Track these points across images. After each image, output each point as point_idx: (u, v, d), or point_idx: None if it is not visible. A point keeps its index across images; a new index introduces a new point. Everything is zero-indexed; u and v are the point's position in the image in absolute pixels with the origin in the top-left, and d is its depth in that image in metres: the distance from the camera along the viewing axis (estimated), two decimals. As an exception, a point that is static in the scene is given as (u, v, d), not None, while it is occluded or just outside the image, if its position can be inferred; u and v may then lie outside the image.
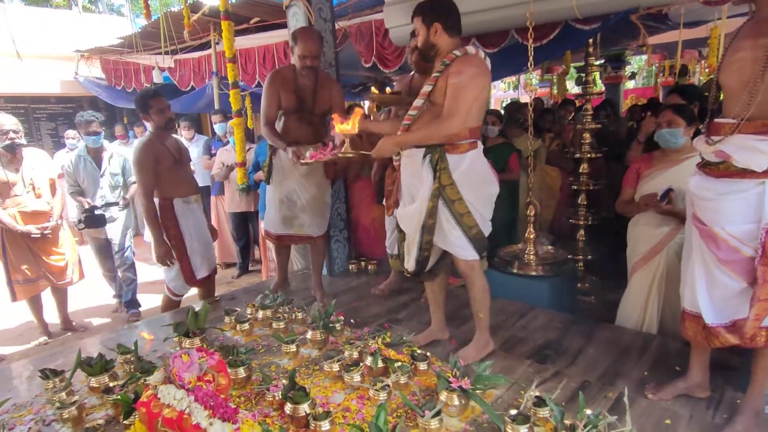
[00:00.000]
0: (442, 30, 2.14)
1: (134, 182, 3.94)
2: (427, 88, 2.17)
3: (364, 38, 4.46)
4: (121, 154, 4.17)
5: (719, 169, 1.67)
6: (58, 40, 8.45)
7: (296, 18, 3.41)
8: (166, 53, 5.94)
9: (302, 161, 2.66)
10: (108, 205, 4.05)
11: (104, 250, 4.31)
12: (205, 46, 6.02)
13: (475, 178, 2.20)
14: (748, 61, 1.57)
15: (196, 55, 6.22)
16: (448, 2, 2.19)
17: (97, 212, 3.99)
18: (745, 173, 1.60)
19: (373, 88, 2.44)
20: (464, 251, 2.25)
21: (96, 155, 4.03)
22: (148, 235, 5.84)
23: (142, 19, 5.94)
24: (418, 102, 2.19)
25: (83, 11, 12.03)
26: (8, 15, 7.04)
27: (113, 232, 4.15)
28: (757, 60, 1.54)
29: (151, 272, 5.78)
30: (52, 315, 4.10)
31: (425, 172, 2.19)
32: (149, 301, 4.76)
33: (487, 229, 2.29)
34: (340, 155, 2.39)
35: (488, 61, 2.21)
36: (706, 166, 1.74)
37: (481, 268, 2.33)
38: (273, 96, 2.86)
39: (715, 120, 1.70)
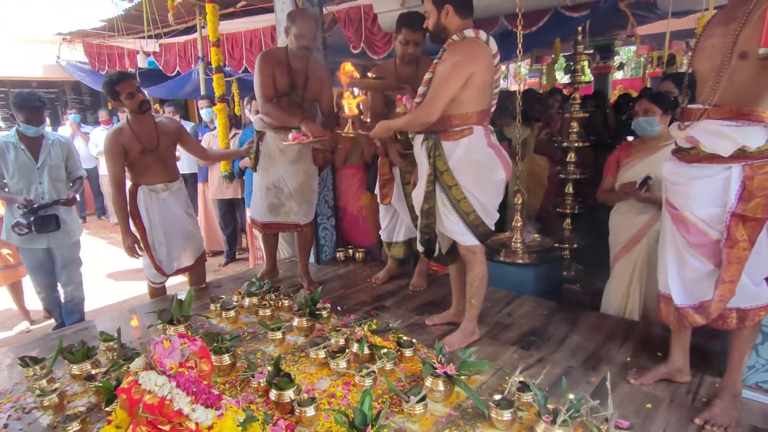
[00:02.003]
0: (453, 12, 2.12)
1: (79, 176, 3.45)
2: (428, 75, 2.16)
3: (353, 23, 4.41)
4: (64, 141, 3.37)
5: (690, 154, 1.71)
6: (40, 22, 8.24)
7: (283, 1, 3.35)
8: (150, 37, 5.82)
9: (284, 142, 2.66)
10: (57, 203, 3.19)
11: (44, 265, 3.36)
12: (190, 30, 5.91)
13: (473, 165, 2.17)
14: (718, 47, 1.60)
15: (182, 39, 6.11)
16: None
17: (44, 212, 3.12)
18: (713, 158, 1.63)
19: (354, 73, 2.42)
20: (462, 236, 2.25)
21: (31, 143, 3.17)
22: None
23: (126, 2, 5.79)
24: (421, 89, 2.20)
25: (65, -7, 11.70)
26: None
27: (58, 241, 3.28)
28: (725, 46, 1.56)
29: (136, 260, 5.71)
30: (34, 302, 4.03)
31: (422, 157, 2.23)
32: (134, 289, 4.72)
33: (490, 216, 2.26)
34: (343, 134, 2.40)
35: (492, 42, 2.15)
36: (678, 152, 1.78)
37: (483, 254, 2.32)
38: (268, 75, 2.78)
39: (687, 106, 1.74)
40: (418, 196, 2.34)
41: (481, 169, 2.19)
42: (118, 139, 2.85)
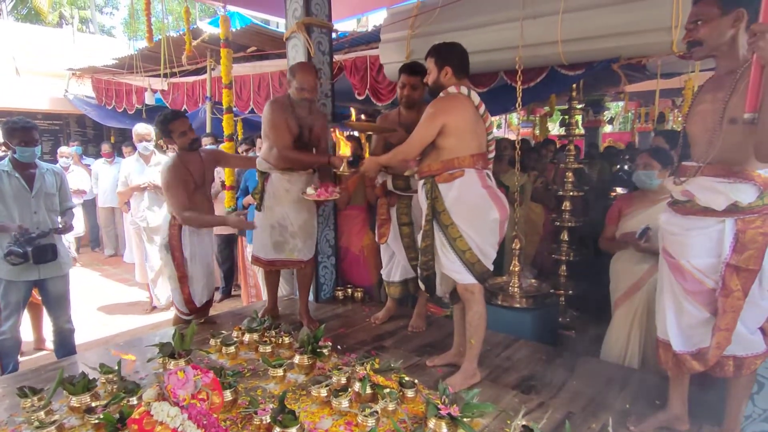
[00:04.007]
0: (452, 73, 2.33)
1: (69, 207, 3.40)
2: None
3: (358, 72, 4.60)
4: (57, 171, 3.33)
5: (686, 206, 1.81)
6: (50, 57, 8.48)
7: (296, 49, 3.53)
8: (160, 76, 6.02)
9: (307, 196, 2.79)
10: (56, 231, 3.16)
11: (24, 303, 3.20)
12: (199, 71, 6.12)
13: (467, 205, 2.30)
14: (709, 113, 1.74)
15: (191, 79, 6.31)
16: (460, 47, 2.38)
17: (41, 242, 3.01)
18: (707, 211, 1.74)
19: (352, 116, 2.67)
20: (459, 275, 2.33)
21: (25, 171, 3.12)
22: (128, 255, 5.81)
23: (137, 42, 6.03)
24: None
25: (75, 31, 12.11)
26: (1, 31, 7.07)
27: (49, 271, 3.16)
28: (716, 111, 1.71)
29: (130, 293, 5.67)
30: (25, 333, 3.96)
31: (422, 199, 2.39)
32: (125, 323, 4.67)
33: (486, 255, 2.35)
34: (338, 173, 2.58)
35: (473, 95, 2.35)
36: (674, 204, 1.89)
37: (481, 294, 2.39)
38: (283, 122, 2.88)
39: (683, 163, 1.87)
40: (420, 236, 2.47)
41: (475, 209, 2.32)
42: (179, 171, 2.93)
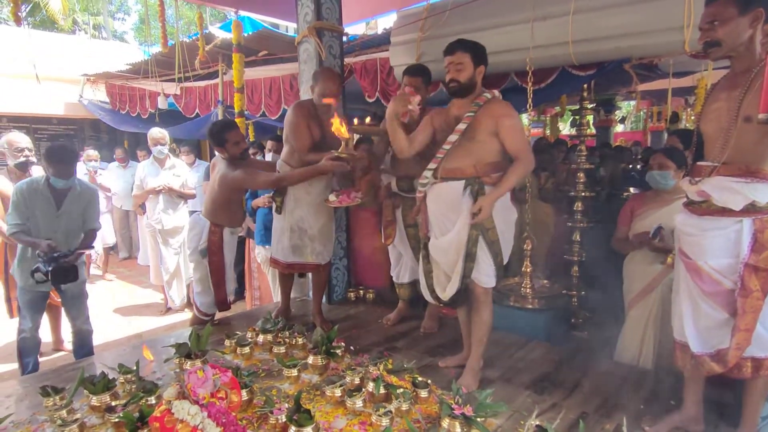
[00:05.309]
0: (483, 73, 2.35)
1: (92, 228, 3.29)
2: (462, 126, 2.28)
3: (368, 74, 4.63)
4: (90, 191, 3.26)
5: (702, 207, 1.80)
6: (64, 63, 8.62)
7: (307, 53, 3.57)
8: (172, 80, 6.11)
9: (329, 204, 2.83)
10: (74, 252, 3.02)
11: (42, 304, 3.24)
12: (211, 75, 6.20)
13: (503, 206, 2.35)
14: (724, 111, 1.73)
15: (203, 83, 6.38)
16: None
17: (66, 260, 2.90)
18: (724, 212, 1.72)
19: (355, 120, 2.70)
20: (488, 278, 2.37)
21: (58, 191, 3.07)
22: (142, 257, 5.89)
23: (149, 47, 6.12)
24: (452, 137, 2.30)
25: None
26: (20, 38, 7.21)
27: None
28: (730, 110, 1.69)
29: (145, 295, 5.75)
30: (44, 334, 4.04)
31: (465, 202, 2.28)
32: (145, 324, 4.74)
33: (506, 256, 2.40)
34: (336, 154, 2.59)
35: None
36: (690, 205, 1.87)
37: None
38: (305, 126, 2.91)
39: (698, 163, 1.85)
40: (445, 242, 2.34)
41: (508, 210, 2.39)
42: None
